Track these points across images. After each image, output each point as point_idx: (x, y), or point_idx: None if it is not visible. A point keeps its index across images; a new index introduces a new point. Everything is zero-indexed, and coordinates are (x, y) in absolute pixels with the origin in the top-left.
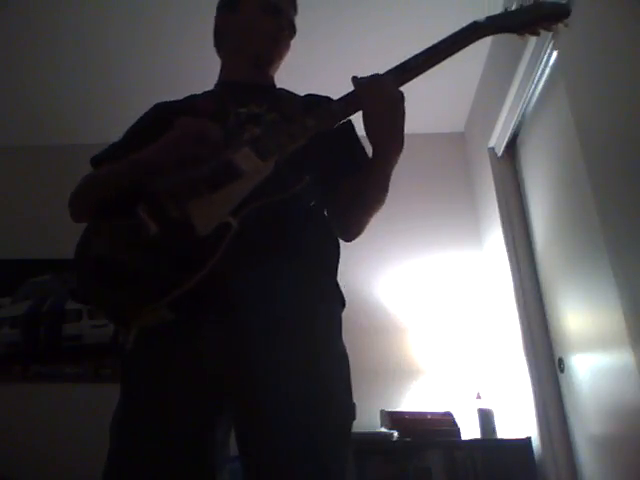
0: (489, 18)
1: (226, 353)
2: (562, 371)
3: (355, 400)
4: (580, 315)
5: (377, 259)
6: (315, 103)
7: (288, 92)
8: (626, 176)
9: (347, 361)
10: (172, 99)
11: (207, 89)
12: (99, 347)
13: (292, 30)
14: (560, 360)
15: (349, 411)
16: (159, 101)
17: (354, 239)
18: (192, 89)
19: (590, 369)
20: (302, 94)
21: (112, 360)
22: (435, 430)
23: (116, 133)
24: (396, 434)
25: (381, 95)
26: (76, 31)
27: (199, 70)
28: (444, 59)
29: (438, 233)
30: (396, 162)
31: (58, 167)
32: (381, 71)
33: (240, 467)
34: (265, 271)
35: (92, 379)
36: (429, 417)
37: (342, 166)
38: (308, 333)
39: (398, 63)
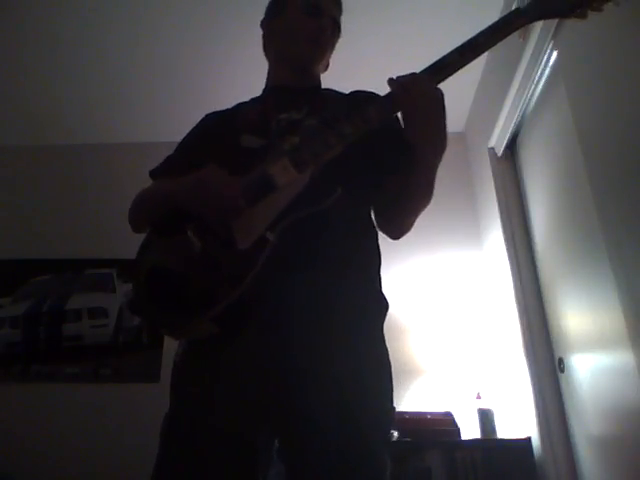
0: (532, 4)
1: (269, 363)
2: (562, 371)
3: None
4: (580, 315)
5: None
6: (357, 105)
7: (333, 92)
8: (626, 176)
9: (388, 367)
10: (172, 99)
11: (206, 90)
12: (99, 347)
13: (336, 30)
14: (560, 360)
15: (385, 421)
16: (159, 101)
17: (401, 237)
18: (191, 89)
19: (590, 369)
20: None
21: (112, 360)
22: (435, 430)
23: (116, 133)
24: (396, 434)
25: (421, 96)
26: (76, 31)
27: (199, 71)
28: (485, 51)
29: (438, 233)
30: (439, 162)
31: (58, 167)
32: (383, 70)
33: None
34: (303, 283)
35: (92, 379)
36: (429, 417)
37: (386, 164)
38: (350, 342)
39: (435, 60)
